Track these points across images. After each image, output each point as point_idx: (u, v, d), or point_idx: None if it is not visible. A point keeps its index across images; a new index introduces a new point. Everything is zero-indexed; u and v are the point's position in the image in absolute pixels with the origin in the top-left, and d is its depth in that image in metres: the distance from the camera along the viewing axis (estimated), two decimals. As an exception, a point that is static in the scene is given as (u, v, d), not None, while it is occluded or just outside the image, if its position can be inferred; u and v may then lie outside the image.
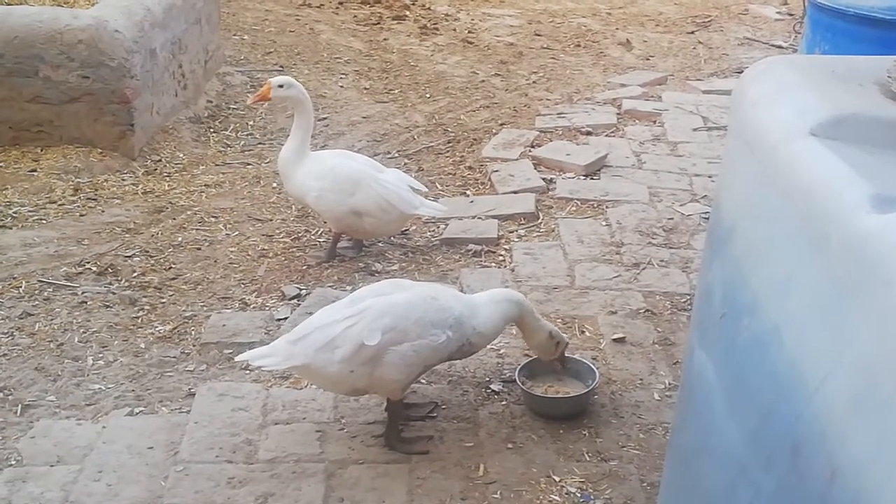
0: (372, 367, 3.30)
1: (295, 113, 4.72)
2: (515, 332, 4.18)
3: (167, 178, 5.83)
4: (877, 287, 1.47)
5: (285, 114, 6.98)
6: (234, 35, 8.59)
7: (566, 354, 3.77)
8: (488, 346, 4.06)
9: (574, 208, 5.43)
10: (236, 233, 5.14)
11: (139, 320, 4.28)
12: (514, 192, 5.58)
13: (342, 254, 4.91)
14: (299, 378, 3.82)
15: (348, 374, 3.29)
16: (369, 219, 4.66)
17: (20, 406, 3.67)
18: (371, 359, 3.28)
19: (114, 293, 4.48)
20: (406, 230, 5.16)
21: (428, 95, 7.41)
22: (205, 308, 4.39)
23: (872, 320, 1.46)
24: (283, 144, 5.77)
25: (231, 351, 4.05)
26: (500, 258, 4.88)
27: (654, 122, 6.80)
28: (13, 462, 3.36)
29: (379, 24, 9.28)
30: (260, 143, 6.52)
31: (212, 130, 6.70)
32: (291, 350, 3.31)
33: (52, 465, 3.34)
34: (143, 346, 4.10)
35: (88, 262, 4.74)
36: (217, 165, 6.13)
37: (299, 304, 4.38)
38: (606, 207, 5.43)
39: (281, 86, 4.62)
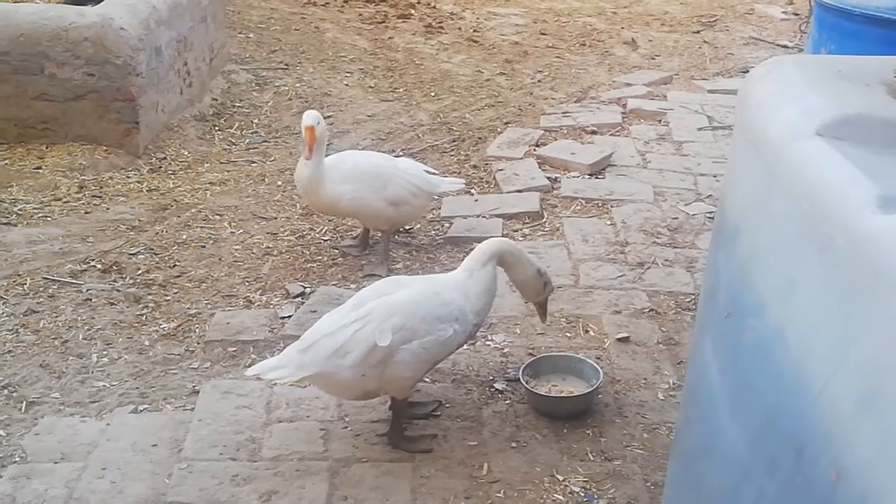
0: (383, 368, 3.30)
1: (319, 145, 4.52)
2: (520, 331, 4.18)
3: (172, 176, 5.84)
4: (882, 288, 1.46)
5: (290, 111, 6.98)
6: (240, 33, 8.59)
7: (571, 352, 3.76)
8: (492, 346, 4.06)
9: (579, 207, 5.42)
10: (241, 231, 5.15)
11: (143, 318, 4.29)
12: (519, 191, 5.58)
13: (347, 252, 4.91)
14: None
15: (360, 377, 3.29)
16: (406, 207, 4.73)
17: (25, 403, 3.68)
18: (382, 360, 3.28)
19: (118, 291, 4.49)
20: (410, 228, 5.16)
21: (433, 94, 7.41)
22: (209, 306, 4.40)
23: (878, 322, 1.45)
24: (287, 142, 5.78)
25: (235, 349, 4.05)
26: (505, 257, 4.87)
27: (660, 121, 6.80)
28: (17, 459, 3.37)
29: (384, 22, 9.28)
30: (265, 142, 6.52)
31: (217, 128, 6.70)
32: (302, 359, 3.29)
33: (56, 462, 3.34)
34: (147, 343, 4.10)
35: (93, 260, 4.74)
36: (222, 163, 6.13)
37: (303, 303, 4.38)
38: (611, 207, 5.42)
39: (319, 123, 4.45)
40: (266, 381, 3.63)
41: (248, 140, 6.55)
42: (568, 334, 4.17)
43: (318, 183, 4.56)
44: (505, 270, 3.68)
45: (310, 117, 4.43)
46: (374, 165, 4.71)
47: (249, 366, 3.89)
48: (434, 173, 4.94)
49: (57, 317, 4.26)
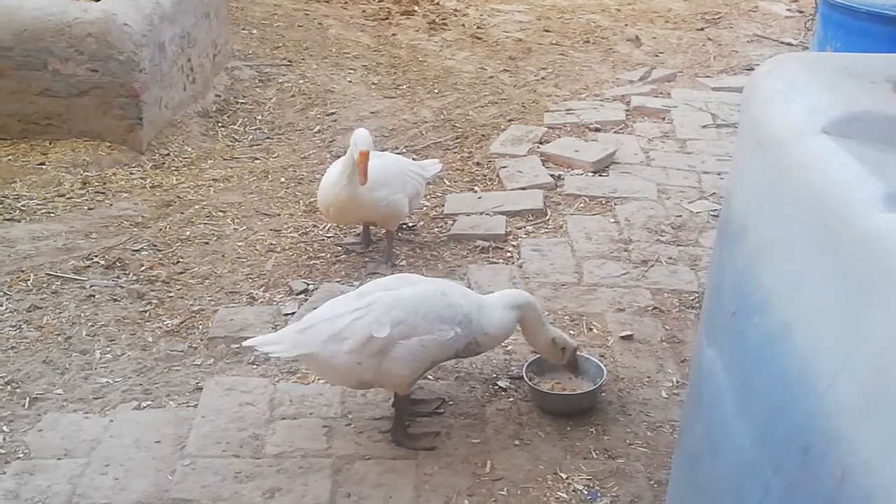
0: (379, 360, 3.30)
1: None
2: (523, 328, 4.18)
3: (175, 173, 5.84)
4: (889, 286, 1.46)
5: (293, 108, 6.98)
6: (243, 29, 8.59)
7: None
8: (496, 343, 4.06)
9: (582, 205, 5.42)
10: (244, 227, 5.15)
11: (147, 314, 4.29)
12: (523, 189, 5.57)
13: (350, 249, 4.91)
14: (307, 373, 3.83)
15: (355, 365, 3.29)
16: (416, 200, 4.83)
17: (28, 399, 3.68)
18: (379, 351, 3.28)
19: (122, 287, 4.49)
20: (413, 225, 5.16)
21: (436, 91, 7.40)
22: (212, 302, 4.40)
23: (884, 318, 1.45)
24: (290, 139, 5.77)
25: (238, 345, 4.05)
26: (508, 254, 4.87)
27: (663, 118, 6.79)
28: (21, 455, 3.37)
29: (387, 19, 9.28)
30: (268, 138, 6.52)
31: (220, 125, 6.70)
32: (299, 339, 3.31)
33: (59, 459, 3.35)
34: (150, 339, 4.10)
35: (96, 256, 4.74)
36: (225, 160, 6.13)
37: (307, 299, 4.38)
38: (615, 204, 5.41)
39: (369, 144, 4.28)
40: (261, 354, 3.66)
41: (251, 136, 6.55)
42: (571, 332, 4.16)
43: (357, 194, 4.42)
44: (522, 330, 3.69)
45: (364, 141, 4.19)
46: (392, 164, 4.71)
47: (252, 362, 3.91)
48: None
49: (60, 313, 4.26)
